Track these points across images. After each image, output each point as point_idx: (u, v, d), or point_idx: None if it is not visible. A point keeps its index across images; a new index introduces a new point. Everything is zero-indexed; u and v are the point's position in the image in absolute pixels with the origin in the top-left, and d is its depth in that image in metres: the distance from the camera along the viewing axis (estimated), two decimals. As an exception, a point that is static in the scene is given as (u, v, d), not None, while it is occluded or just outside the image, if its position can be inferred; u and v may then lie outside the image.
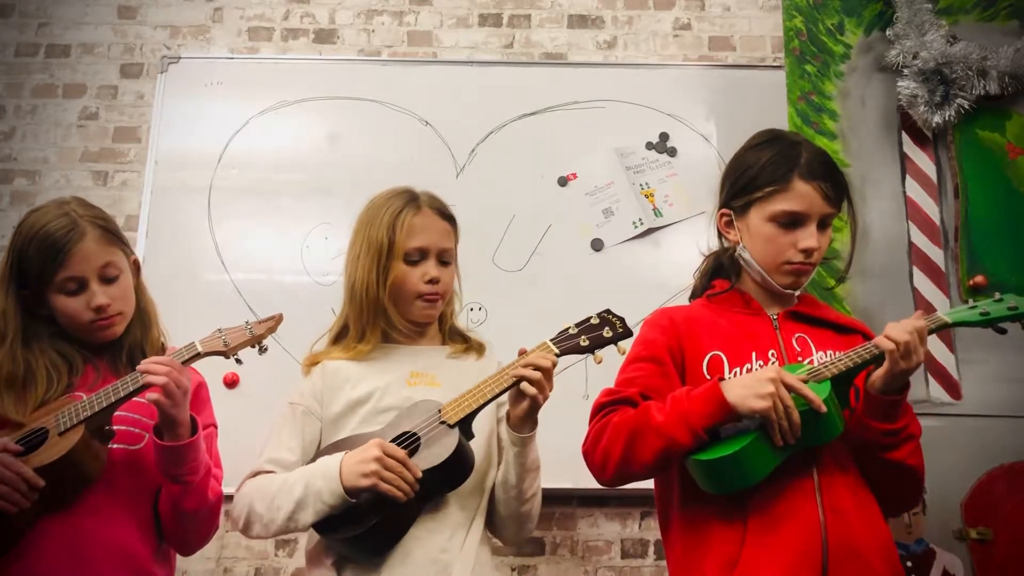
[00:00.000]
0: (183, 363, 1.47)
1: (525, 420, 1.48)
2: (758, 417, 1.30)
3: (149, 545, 1.51)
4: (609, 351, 1.53)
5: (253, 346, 1.53)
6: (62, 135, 2.65)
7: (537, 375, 1.44)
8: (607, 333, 1.51)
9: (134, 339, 1.60)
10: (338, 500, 1.40)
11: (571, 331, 1.53)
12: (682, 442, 1.32)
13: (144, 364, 1.43)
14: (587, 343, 1.51)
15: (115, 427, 1.47)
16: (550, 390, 1.47)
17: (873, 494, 1.42)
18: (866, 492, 1.40)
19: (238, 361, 1.52)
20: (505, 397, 1.51)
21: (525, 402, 1.46)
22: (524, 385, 1.44)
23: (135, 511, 1.50)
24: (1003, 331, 1.41)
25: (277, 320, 1.55)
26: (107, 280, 1.53)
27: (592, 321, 1.54)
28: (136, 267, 1.63)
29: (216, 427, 1.65)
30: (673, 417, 1.33)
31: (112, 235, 1.55)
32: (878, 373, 1.34)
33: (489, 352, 1.70)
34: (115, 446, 1.48)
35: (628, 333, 1.53)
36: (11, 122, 2.66)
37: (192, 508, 1.49)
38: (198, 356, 1.49)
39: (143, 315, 1.62)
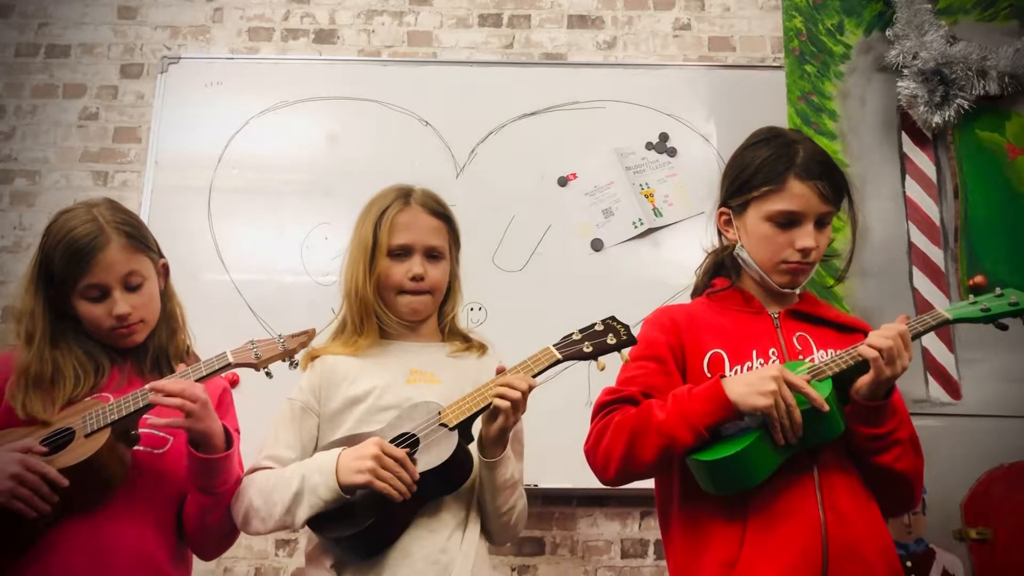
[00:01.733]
0: (213, 372, 1.47)
1: (496, 441, 1.46)
2: (759, 415, 1.29)
3: (168, 548, 1.50)
4: (612, 356, 1.52)
5: (284, 360, 1.52)
6: (62, 135, 2.65)
7: (517, 395, 1.42)
8: (611, 340, 1.50)
9: (159, 343, 1.59)
10: (333, 496, 1.40)
11: (575, 337, 1.52)
12: (683, 440, 1.32)
13: (153, 391, 1.41)
14: (590, 349, 1.49)
15: (140, 430, 1.46)
16: (523, 411, 1.45)
17: (875, 497, 1.41)
18: (866, 492, 1.40)
19: (268, 375, 1.51)
20: None
21: (497, 421, 1.44)
22: (497, 400, 1.42)
23: (156, 515, 1.49)
24: (1004, 327, 1.41)
25: (309, 335, 1.53)
26: (131, 288, 1.52)
27: (596, 327, 1.53)
28: (165, 271, 1.62)
29: (239, 432, 1.63)
30: (674, 415, 1.33)
31: (139, 242, 1.54)
32: (864, 380, 1.33)
33: (491, 351, 1.69)
34: (139, 449, 1.47)
35: (632, 340, 1.52)
36: (11, 122, 2.66)
37: (219, 518, 1.49)
38: (229, 367, 1.48)
39: (170, 319, 1.61)
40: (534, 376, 1.46)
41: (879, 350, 1.30)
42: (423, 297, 1.62)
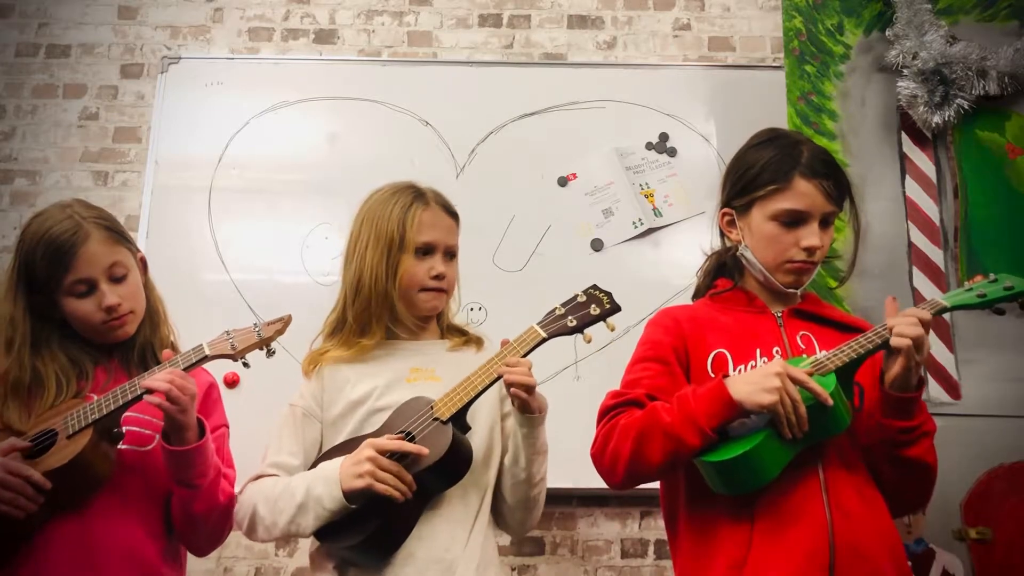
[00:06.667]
0: (191, 366, 1.47)
1: (529, 406, 1.48)
2: (765, 413, 1.29)
3: (158, 545, 1.51)
4: (602, 332, 1.53)
5: (261, 349, 1.52)
6: (62, 135, 2.65)
7: (518, 378, 1.44)
8: (594, 311, 1.50)
9: (144, 338, 1.60)
10: (338, 506, 1.40)
11: (558, 312, 1.52)
12: (691, 442, 1.31)
13: (146, 381, 1.42)
14: (574, 323, 1.49)
15: (124, 428, 1.47)
16: (532, 382, 1.46)
17: (886, 494, 1.41)
18: (873, 491, 1.40)
19: (245, 364, 1.51)
20: (506, 392, 1.51)
21: (517, 401, 1.47)
22: (524, 396, 1.44)
23: (144, 511, 1.50)
24: (1001, 312, 1.41)
25: (285, 322, 1.54)
26: (116, 279, 1.53)
27: (579, 299, 1.53)
28: (143, 265, 1.63)
29: (228, 427, 1.65)
30: (680, 417, 1.32)
31: (117, 234, 1.55)
32: (894, 372, 1.33)
33: (488, 345, 1.70)
34: (124, 447, 1.48)
35: (616, 308, 1.52)
36: (11, 122, 2.66)
37: (202, 511, 1.49)
38: (206, 359, 1.48)
39: (152, 313, 1.62)
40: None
41: (911, 338, 1.30)
42: (442, 295, 1.63)
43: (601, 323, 1.52)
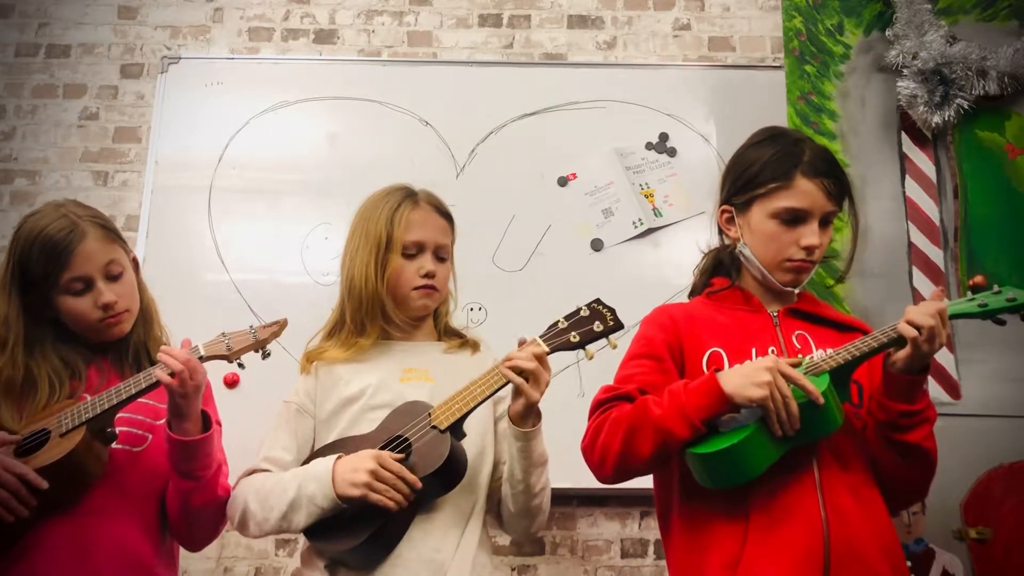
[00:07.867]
0: None
1: (527, 415, 1.47)
2: (756, 407, 1.29)
3: (153, 545, 1.51)
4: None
5: (256, 351, 1.53)
6: (62, 135, 2.65)
7: (531, 366, 1.43)
8: (597, 327, 1.49)
9: (138, 337, 1.60)
10: (330, 504, 1.40)
11: (560, 325, 1.51)
12: (680, 435, 1.31)
13: (164, 351, 1.43)
14: (577, 339, 1.49)
15: (118, 428, 1.47)
16: (547, 378, 1.45)
17: (885, 486, 1.41)
18: (869, 490, 1.39)
19: (240, 365, 1.52)
20: (501, 393, 1.50)
21: (520, 400, 1.45)
22: (517, 381, 1.43)
23: (138, 511, 1.50)
24: (1002, 323, 1.40)
25: (281, 325, 1.55)
26: (112, 277, 1.53)
27: (582, 314, 1.51)
28: (135, 264, 1.63)
29: (220, 425, 1.66)
30: (671, 410, 1.32)
31: (112, 233, 1.56)
32: (899, 355, 1.33)
33: (484, 348, 1.70)
34: (117, 447, 1.48)
35: (619, 326, 1.51)
36: (11, 122, 2.66)
37: (201, 504, 1.50)
38: (201, 359, 1.49)
39: (145, 313, 1.63)
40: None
41: (920, 327, 1.30)
42: (432, 293, 1.62)
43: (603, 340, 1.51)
